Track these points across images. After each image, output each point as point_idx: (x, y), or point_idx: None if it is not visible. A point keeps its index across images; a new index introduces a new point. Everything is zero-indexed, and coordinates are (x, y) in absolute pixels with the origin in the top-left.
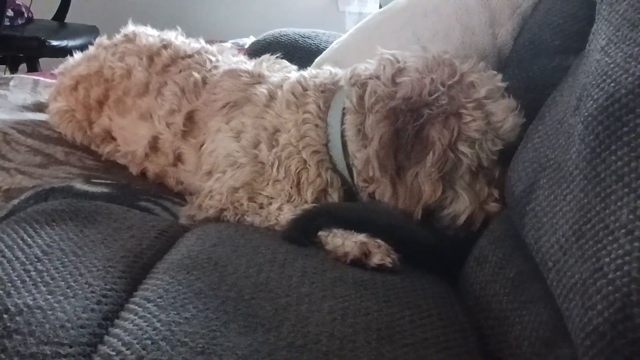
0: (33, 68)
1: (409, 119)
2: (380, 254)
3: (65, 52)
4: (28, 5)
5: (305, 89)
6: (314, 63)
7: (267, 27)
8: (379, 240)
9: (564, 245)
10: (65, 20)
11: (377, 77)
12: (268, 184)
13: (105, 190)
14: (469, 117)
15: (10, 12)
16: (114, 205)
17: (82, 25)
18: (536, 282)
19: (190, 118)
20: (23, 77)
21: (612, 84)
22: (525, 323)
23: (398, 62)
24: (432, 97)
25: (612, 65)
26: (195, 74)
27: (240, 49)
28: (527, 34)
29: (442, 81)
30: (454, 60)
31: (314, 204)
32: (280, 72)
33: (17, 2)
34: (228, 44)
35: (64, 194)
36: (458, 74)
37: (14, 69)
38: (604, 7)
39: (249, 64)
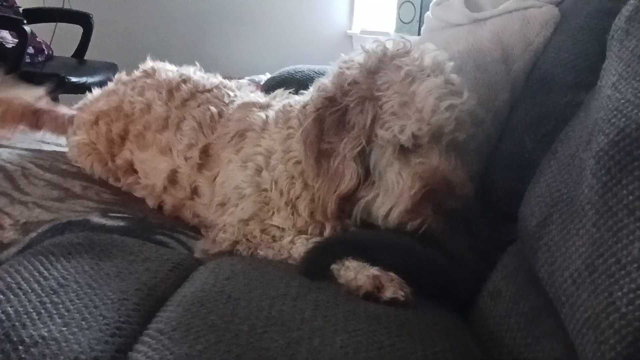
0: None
1: (329, 109)
2: (393, 287)
3: (85, 88)
4: (49, 43)
5: (291, 107)
6: None
7: (282, 64)
8: (391, 274)
9: (577, 280)
10: (85, 57)
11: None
12: (274, 212)
13: (121, 223)
14: (384, 99)
15: (31, 50)
16: (129, 238)
17: (101, 62)
18: (550, 317)
19: (205, 151)
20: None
21: (622, 119)
22: (539, 359)
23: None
24: (351, 85)
25: (622, 101)
26: (212, 108)
27: (257, 85)
28: (540, 70)
29: (366, 68)
30: (388, 47)
31: (327, 237)
32: (287, 99)
33: (37, 39)
34: (245, 81)
35: (80, 227)
36: (380, 59)
37: None
38: (614, 43)
39: (264, 98)
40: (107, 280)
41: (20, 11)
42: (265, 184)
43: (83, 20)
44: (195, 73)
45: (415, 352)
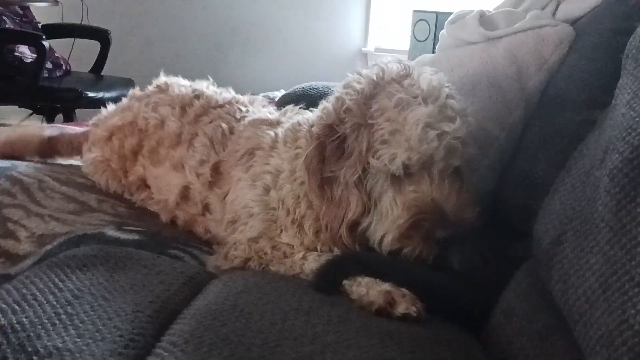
0: (69, 118)
1: (329, 137)
2: (405, 303)
3: (101, 103)
4: (67, 58)
5: (300, 125)
6: None
7: (297, 81)
8: (403, 290)
9: (591, 297)
10: (102, 73)
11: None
12: (281, 230)
13: (136, 237)
14: (376, 127)
15: (49, 65)
16: (144, 251)
17: (118, 77)
18: (563, 336)
19: (216, 169)
20: (59, 126)
21: (637, 137)
22: None
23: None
24: (346, 112)
25: (637, 119)
26: (224, 125)
27: (271, 101)
28: (554, 89)
29: (362, 95)
30: (385, 70)
31: (338, 253)
32: (296, 116)
33: (56, 54)
34: (259, 97)
35: (95, 240)
36: (376, 85)
37: (50, 120)
38: (629, 62)
39: (274, 114)
40: (121, 292)
41: (40, 27)
42: (273, 202)
43: (101, 36)
44: (208, 88)
45: None
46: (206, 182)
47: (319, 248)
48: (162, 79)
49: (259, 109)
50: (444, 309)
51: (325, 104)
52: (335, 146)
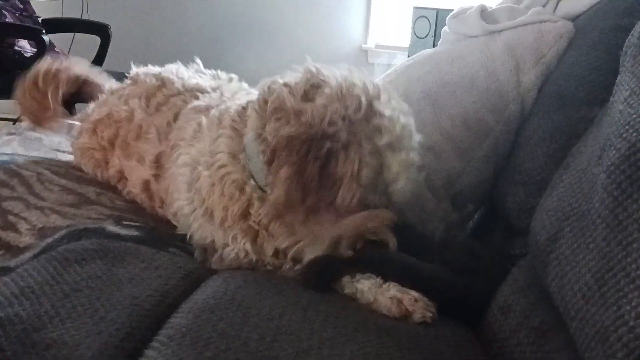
0: (69, 112)
1: (310, 151)
2: (420, 310)
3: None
4: (67, 53)
5: (227, 110)
6: None
7: None
8: (412, 293)
9: (587, 294)
10: (102, 67)
11: (288, 85)
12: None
13: (135, 233)
14: (363, 163)
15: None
16: (143, 246)
17: (118, 72)
18: (560, 332)
19: (158, 161)
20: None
21: (634, 134)
22: None
23: (318, 75)
24: (332, 129)
25: (634, 116)
26: (169, 114)
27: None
28: (553, 85)
29: (345, 114)
30: (373, 89)
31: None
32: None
33: (56, 49)
34: (233, 81)
35: (96, 235)
36: (363, 110)
37: None
38: (627, 59)
39: (215, 99)
40: (120, 285)
41: (40, 21)
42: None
43: (101, 30)
44: (177, 74)
45: None
46: (153, 175)
47: (230, 241)
48: (134, 70)
49: (223, 90)
50: (441, 302)
51: (281, 106)
52: (319, 166)
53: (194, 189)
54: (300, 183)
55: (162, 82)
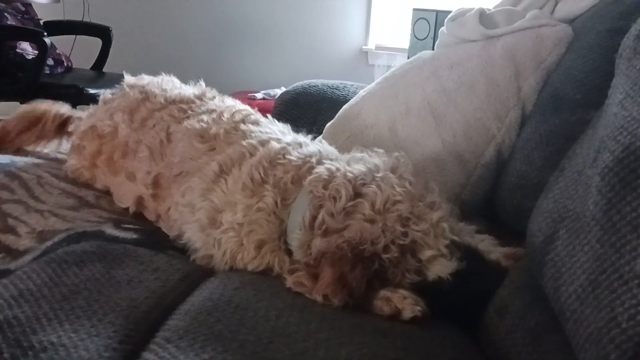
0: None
1: (356, 265)
2: (409, 307)
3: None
4: (68, 55)
5: (263, 179)
6: (338, 113)
7: (297, 79)
8: (400, 291)
9: (581, 295)
10: (104, 70)
11: (334, 199)
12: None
13: (134, 236)
14: (406, 275)
15: (50, 61)
16: (141, 248)
17: (120, 74)
18: (556, 333)
19: (156, 182)
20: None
21: (628, 137)
22: None
23: (361, 183)
24: (382, 248)
25: (628, 119)
26: (161, 133)
27: (271, 99)
28: (550, 88)
29: (392, 234)
30: (409, 196)
31: None
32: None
33: (57, 51)
34: (207, 90)
35: (95, 238)
36: (403, 222)
37: None
38: (622, 61)
39: (213, 126)
40: (118, 288)
41: (41, 23)
42: (211, 240)
43: (102, 33)
44: (161, 85)
45: None
46: (151, 195)
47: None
48: (127, 79)
49: (206, 105)
50: (436, 305)
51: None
52: (364, 280)
53: (213, 238)
54: (343, 286)
55: (146, 95)
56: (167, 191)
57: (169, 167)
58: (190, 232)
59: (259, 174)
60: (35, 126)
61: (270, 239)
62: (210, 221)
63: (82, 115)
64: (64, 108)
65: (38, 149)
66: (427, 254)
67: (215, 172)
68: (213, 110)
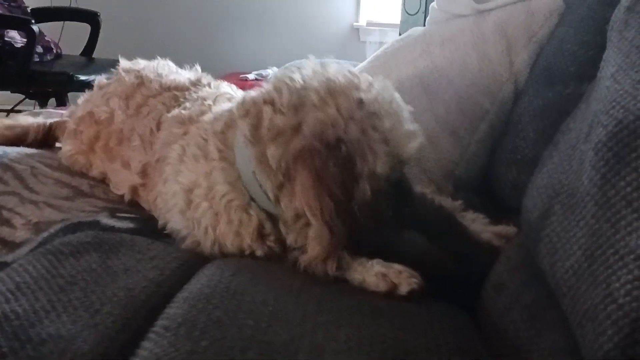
0: (61, 102)
1: (327, 157)
2: (405, 280)
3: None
4: (57, 42)
5: (205, 139)
6: None
7: (289, 58)
8: (395, 266)
9: (577, 271)
10: (93, 55)
11: (272, 103)
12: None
13: (130, 225)
14: (377, 152)
15: (39, 49)
16: (138, 237)
17: (110, 60)
18: (553, 309)
19: (144, 171)
20: (52, 111)
21: (621, 111)
22: (542, 350)
23: (294, 84)
24: (343, 129)
25: (620, 92)
26: (152, 122)
27: (262, 79)
28: (543, 62)
29: (348, 112)
30: (352, 80)
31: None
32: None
33: (46, 38)
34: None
35: (91, 228)
36: (356, 104)
37: (43, 104)
38: (614, 34)
39: (195, 105)
40: (115, 277)
41: (29, 11)
42: (190, 224)
43: (90, 18)
44: (157, 70)
45: (418, 346)
46: (141, 184)
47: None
48: (122, 63)
49: (200, 91)
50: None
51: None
52: (339, 170)
53: (193, 218)
54: (323, 190)
55: (141, 81)
56: (152, 181)
57: (153, 156)
58: (172, 220)
59: (202, 138)
60: (21, 142)
61: (236, 191)
62: (186, 203)
63: (67, 112)
64: (40, 117)
65: None
66: (386, 123)
67: (179, 154)
68: (203, 98)
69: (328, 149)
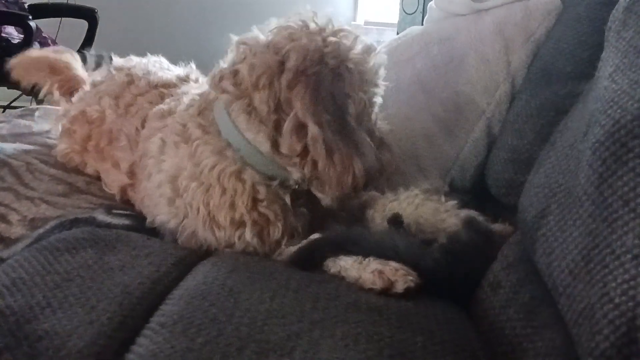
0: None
1: (319, 73)
2: (401, 278)
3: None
4: (54, 38)
5: (184, 124)
6: None
7: None
8: (392, 264)
9: (574, 270)
10: (91, 51)
11: (251, 50)
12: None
13: (126, 222)
14: (352, 72)
15: (36, 45)
16: (134, 233)
17: (107, 55)
18: (550, 308)
19: (132, 171)
20: (48, 108)
21: (618, 110)
22: (538, 349)
23: (258, 37)
24: (322, 54)
25: (618, 92)
26: (137, 119)
27: None
28: (540, 61)
29: (320, 40)
30: (308, 24)
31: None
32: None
33: (43, 34)
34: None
35: (87, 224)
36: (331, 32)
37: (40, 101)
38: (612, 34)
39: (174, 100)
40: (111, 274)
41: (26, 7)
42: (182, 211)
43: (88, 14)
44: (147, 68)
45: (415, 343)
46: (129, 185)
47: (236, 240)
48: (115, 61)
49: (184, 89)
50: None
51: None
52: (330, 88)
53: (183, 205)
54: (319, 104)
55: (131, 79)
56: (139, 179)
57: (138, 154)
58: (160, 213)
59: (180, 124)
60: (55, 75)
61: (226, 159)
62: (173, 190)
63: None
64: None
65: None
66: (359, 47)
67: (160, 145)
68: (185, 93)
69: (319, 65)
